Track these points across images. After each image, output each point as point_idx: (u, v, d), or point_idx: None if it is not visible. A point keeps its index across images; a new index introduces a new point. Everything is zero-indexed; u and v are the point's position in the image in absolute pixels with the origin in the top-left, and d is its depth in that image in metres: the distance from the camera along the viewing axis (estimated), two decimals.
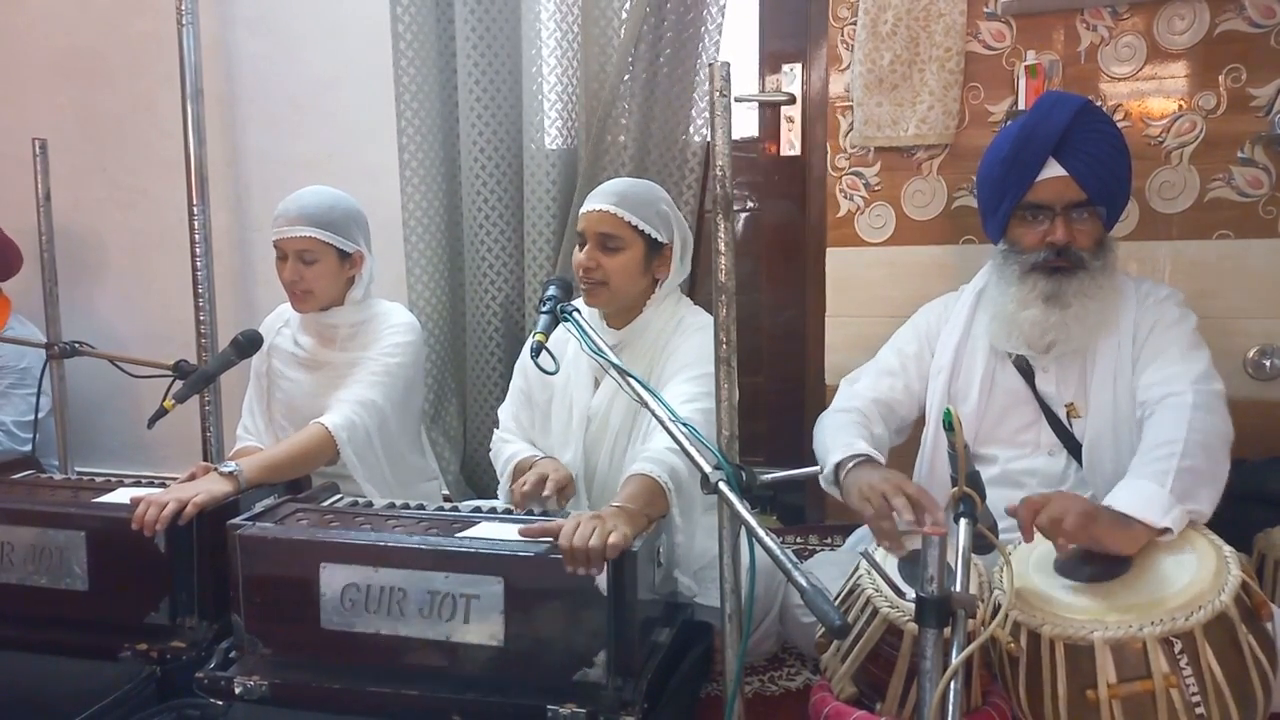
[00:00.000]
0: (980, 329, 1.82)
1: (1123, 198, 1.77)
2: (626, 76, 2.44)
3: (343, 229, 2.09)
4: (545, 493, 1.76)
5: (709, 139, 2.51)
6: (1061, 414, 1.75)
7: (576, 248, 1.90)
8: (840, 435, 1.72)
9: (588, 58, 2.46)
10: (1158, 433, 1.52)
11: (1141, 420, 1.61)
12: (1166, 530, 1.39)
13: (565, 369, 1.91)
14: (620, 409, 1.88)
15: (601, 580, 1.42)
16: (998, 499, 1.60)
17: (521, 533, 1.50)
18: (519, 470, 1.90)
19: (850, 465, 1.63)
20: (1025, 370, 1.78)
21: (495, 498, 2.11)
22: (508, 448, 1.99)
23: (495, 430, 2.07)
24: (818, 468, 1.71)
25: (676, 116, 2.50)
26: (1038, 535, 1.48)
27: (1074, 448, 1.74)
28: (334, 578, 1.52)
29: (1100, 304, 1.69)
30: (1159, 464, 1.46)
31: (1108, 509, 1.43)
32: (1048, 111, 1.72)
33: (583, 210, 1.90)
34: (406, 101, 2.59)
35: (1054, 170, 1.68)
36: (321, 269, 2.08)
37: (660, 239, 1.88)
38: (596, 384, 1.93)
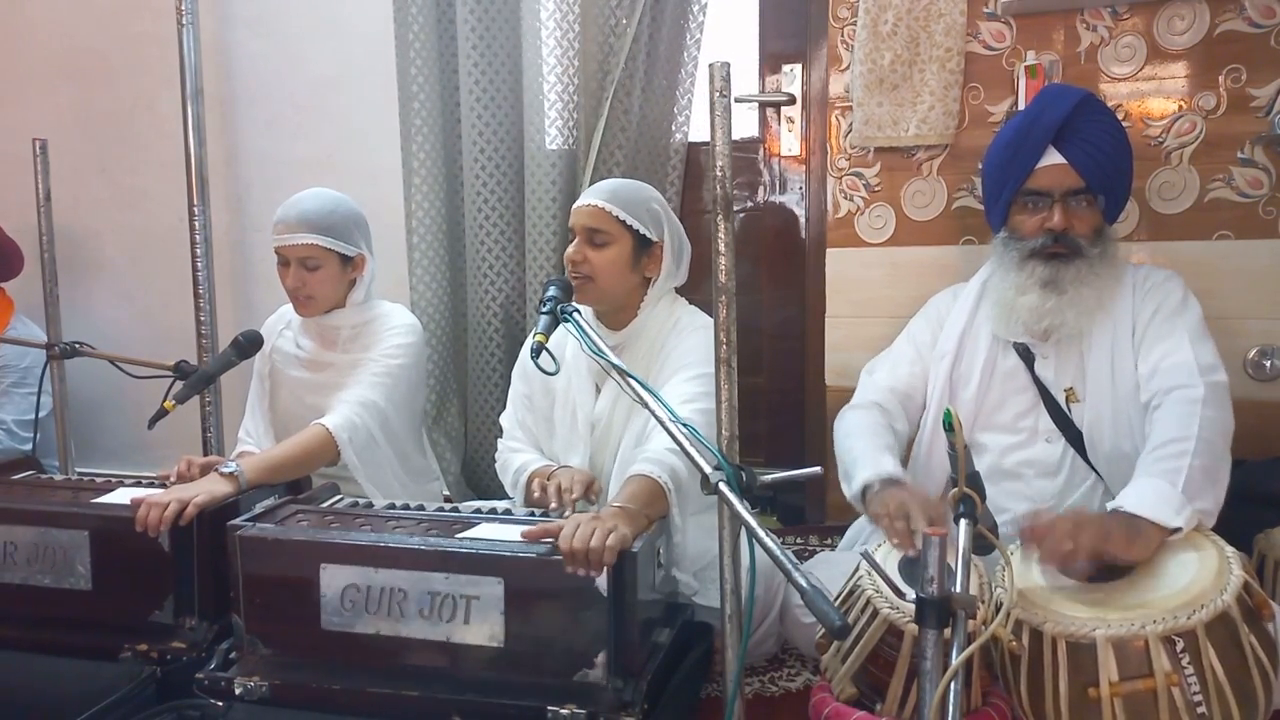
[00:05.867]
0: (984, 316, 1.85)
1: (1122, 189, 1.79)
2: (622, 75, 2.44)
3: (344, 233, 2.09)
4: (575, 495, 1.73)
5: (688, 139, 2.53)
6: (1060, 399, 1.77)
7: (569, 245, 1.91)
8: (867, 447, 1.73)
9: (586, 57, 2.46)
10: (1168, 429, 1.53)
11: (1147, 407, 1.62)
12: (1177, 530, 1.40)
13: (565, 372, 1.91)
14: (624, 413, 1.87)
15: (601, 581, 1.42)
16: (995, 492, 1.60)
17: (523, 535, 1.50)
18: (533, 479, 1.88)
19: (877, 488, 1.64)
20: (1026, 356, 1.80)
21: (496, 498, 2.11)
22: (517, 457, 1.96)
23: (499, 440, 2.05)
24: (818, 469, 1.70)
25: (663, 116, 2.51)
26: None
27: (1072, 435, 1.75)
28: (334, 578, 1.52)
29: (1097, 291, 1.71)
30: (1170, 462, 1.47)
31: (1114, 518, 1.42)
32: (1050, 101, 1.76)
33: (574, 207, 1.91)
34: (408, 103, 2.59)
35: (1053, 158, 1.72)
36: (324, 274, 2.08)
37: (649, 236, 1.88)
38: (598, 390, 1.92)
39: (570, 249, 1.88)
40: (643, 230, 1.87)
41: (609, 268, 1.86)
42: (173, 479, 1.89)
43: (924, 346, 1.91)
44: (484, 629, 1.47)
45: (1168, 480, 1.44)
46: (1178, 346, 1.64)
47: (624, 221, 1.85)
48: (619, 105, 2.45)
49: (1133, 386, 1.68)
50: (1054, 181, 1.72)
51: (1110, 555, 1.38)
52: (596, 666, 1.43)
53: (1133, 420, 1.67)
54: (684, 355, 1.84)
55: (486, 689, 1.47)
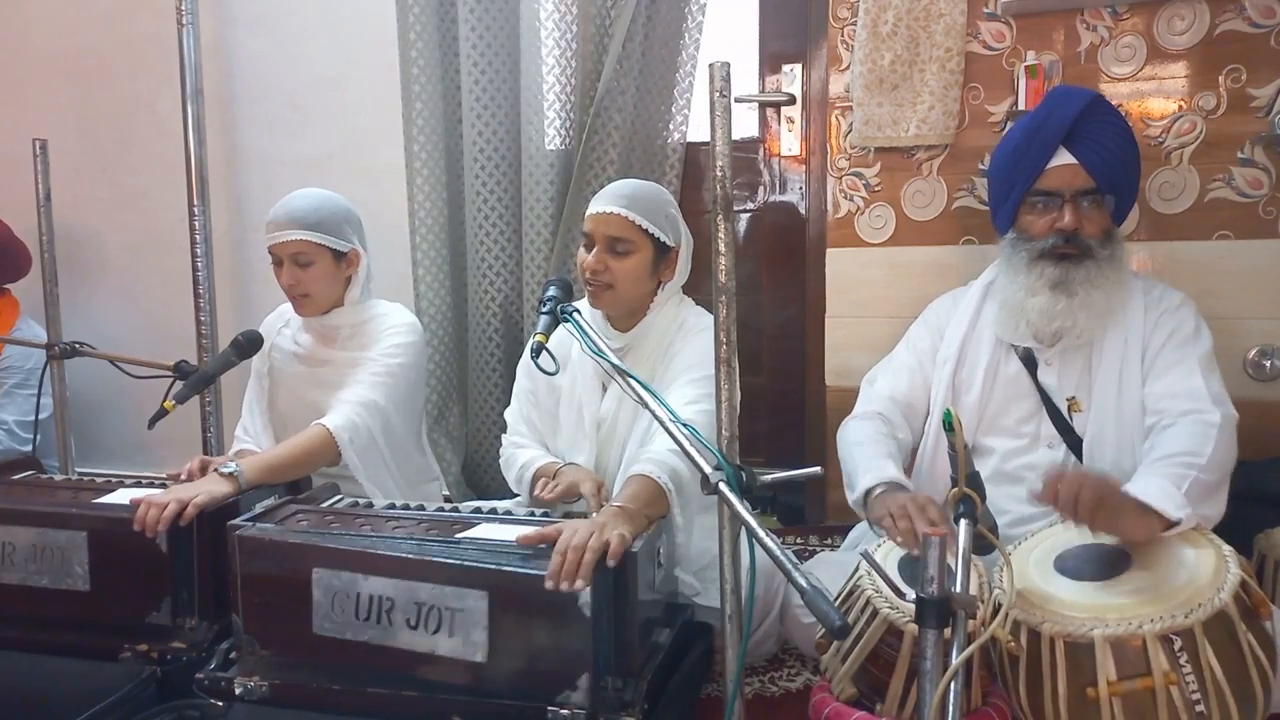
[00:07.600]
0: (987, 320, 1.84)
1: (1130, 190, 1.79)
2: (617, 76, 2.44)
3: (334, 229, 2.09)
4: (586, 491, 1.73)
5: (686, 138, 2.53)
6: (1063, 407, 1.77)
7: (582, 248, 1.89)
8: (869, 455, 1.74)
9: (584, 58, 2.47)
10: (1180, 443, 1.54)
11: (1154, 427, 1.63)
12: (1175, 524, 1.41)
13: (570, 371, 1.91)
14: (630, 412, 1.87)
15: (585, 599, 1.38)
16: (997, 494, 1.60)
17: (518, 540, 1.49)
18: (540, 476, 1.88)
19: (879, 491, 1.65)
20: (1029, 361, 1.80)
21: (497, 498, 2.11)
22: (522, 454, 1.96)
23: (504, 435, 2.04)
24: (818, 469, 1.71)
25: (657, 116, 2.51)
26: (1038, 535, 1.49)
27: (1073, 442, 1.75)
28: (325, 583, 1.51)
29: (1106, 294, 1.71)
30: (1178, 469, 1.48)
31: (1124, 493, 1.44)
32: (1059, 102, 1.76)
33: (591, 211, 1.87)
34: (410, 103, 2.59)
35: (1064, 158, 1.72)
36: (317, 271, 2.08)
37: (668, 242, 1.87)
38: (604, 388, 1.92)
39: (590, 258, 1.84)
40: (663, 238, 1.85)
41: (629, 276, 1.84)
42: (184, 478, 1.89)
43: (924, 354, 1.91)
44: (467, 643, 1.43)
45: (1172, 482, 1.45)
46: (1190, 374, 1.65)
47: (647, 230, 1.83)
48: (612, 104, 2.44)
49: (1137, 406, 1.69)
50: (1064, 182, 1.71)
51: (1110, 518, 1.40)
52: (579, 689, 1.39)
53: (1135, 439, 1.67)
54: (689, 356, 1.83)
55: (472, 702, 1.44)
